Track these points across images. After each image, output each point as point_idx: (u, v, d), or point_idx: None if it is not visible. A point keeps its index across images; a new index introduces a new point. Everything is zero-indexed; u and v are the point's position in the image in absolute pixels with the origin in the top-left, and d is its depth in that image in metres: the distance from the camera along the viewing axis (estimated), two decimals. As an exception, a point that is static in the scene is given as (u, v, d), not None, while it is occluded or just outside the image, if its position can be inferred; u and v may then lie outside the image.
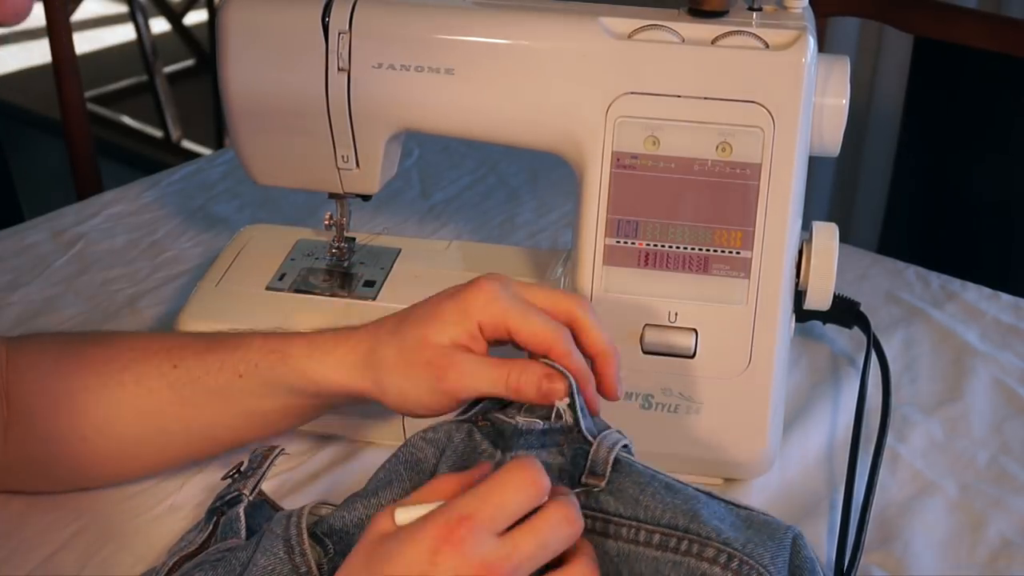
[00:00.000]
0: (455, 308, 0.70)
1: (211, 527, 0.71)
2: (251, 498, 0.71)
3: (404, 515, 0.58)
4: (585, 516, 0.62)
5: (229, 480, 0.74)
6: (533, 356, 0.69)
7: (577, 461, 0.65)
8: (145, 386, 0.75)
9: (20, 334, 0.80)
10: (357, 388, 0.72)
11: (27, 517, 0.78)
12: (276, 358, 0.74)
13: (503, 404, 0.69)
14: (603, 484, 0.64)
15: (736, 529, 0.63)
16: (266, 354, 0.74)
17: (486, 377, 0.68)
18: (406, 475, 0.67)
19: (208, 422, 0.76)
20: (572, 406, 0.66)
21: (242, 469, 0.74)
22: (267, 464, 0.73)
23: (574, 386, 0.66)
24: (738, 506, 0.65)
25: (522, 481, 0.57)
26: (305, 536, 0.63)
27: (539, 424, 0.66)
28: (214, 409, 0.75)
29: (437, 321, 0.70)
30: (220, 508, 0.71)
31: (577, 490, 0.64)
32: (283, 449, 0.74)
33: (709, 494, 0.65)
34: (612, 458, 0.65)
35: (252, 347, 0.75)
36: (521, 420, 0.66)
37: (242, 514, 0.70)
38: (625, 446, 0.66)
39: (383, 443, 0.86)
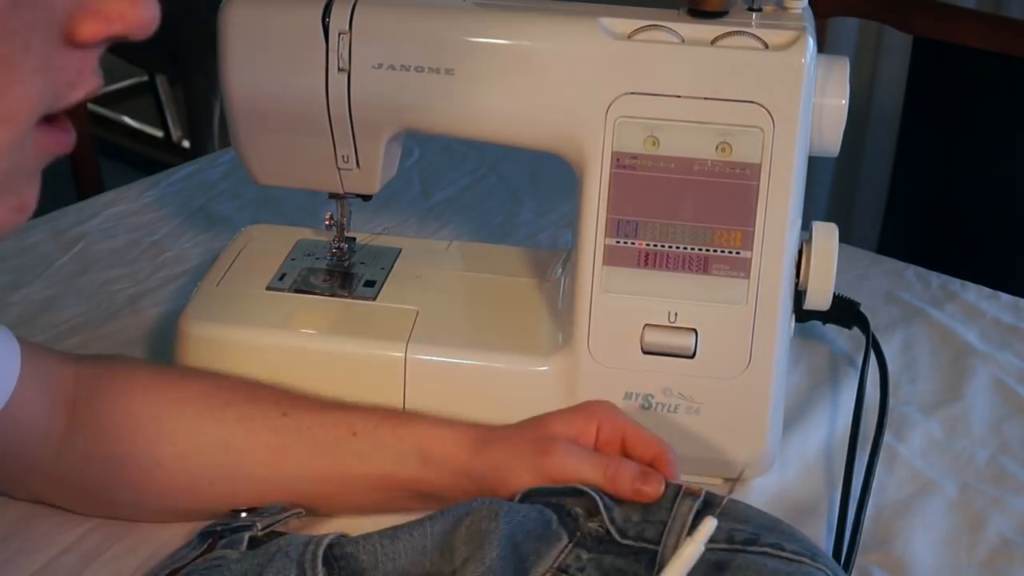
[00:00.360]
0: (578, 407, 0.75)
1: (204, 547, 0.71)
2: (261, 533, 0.71)
3: None
4: None
5: (234, 512, 0.74)
6: None
7: (651, 568, 0.67)
8: (246, 426, 0.75)
9: (42, 340, 0.80)
10: (463, 460, 0.74)
11: (31, 519, 0.78)
12: (399, 421, 0.76)
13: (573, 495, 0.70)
14: None
15: None
16: (389, 417, 0.76)
17: (589, 462, 0.71)
18: (438, 518, 0.68)
19: (298, 476, 0.75)
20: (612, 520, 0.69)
21: (256, 509, 0.74)
22: (284, 515, 0.74)
23: (601, 503, 0.69)
24: (791, 559, 0.66)
25: None
26: (320, 564, 0.63)
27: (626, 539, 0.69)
28: (314, 464, 0.75)
29: (558, 413, 0.75)
30: (220, 532, 0.71)
31: None
32: (302, 512, 0.75)
33: (764, 552, 0.67)
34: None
35: (375, 411, 0.77)
36: (614, 529, 0.69)
37: (246, 541, 0.70)
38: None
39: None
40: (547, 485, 0.71)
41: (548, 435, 0.73)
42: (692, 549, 0.64)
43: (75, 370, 0.76)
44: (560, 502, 0.70)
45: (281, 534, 0.73)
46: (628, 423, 0.74)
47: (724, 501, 0.69)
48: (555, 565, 0.68)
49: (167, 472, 0.75)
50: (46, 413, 0.74)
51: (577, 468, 0.71)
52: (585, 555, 0.69)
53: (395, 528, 0.67)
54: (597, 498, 0.69)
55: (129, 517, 0.78)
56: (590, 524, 0.70)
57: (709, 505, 0.69)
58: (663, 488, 0.70)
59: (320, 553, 0.64)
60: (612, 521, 0.69)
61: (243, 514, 0.74)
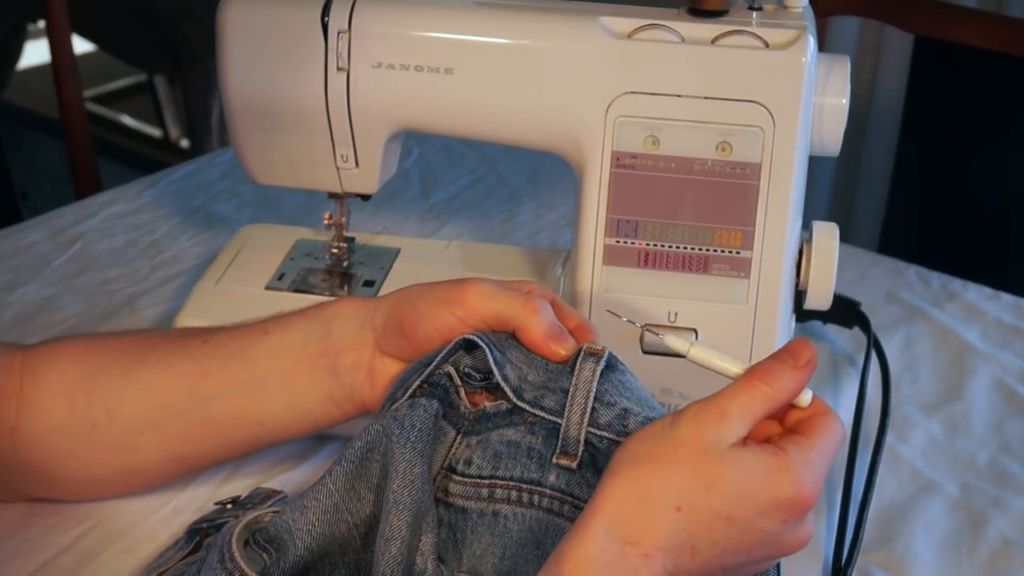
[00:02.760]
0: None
1: (192, 546, 0.70)
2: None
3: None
4: (554, 499, 0.62)
5: (220, 507, 0.74)
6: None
7: (549, 440, 0.64)
8: (167, 362, 0.74)
9: (40, 339, 0.79)
10: (368, 309, 0.71)
11: (29, 520, 0.78)
12: (311, 308, 0.74)
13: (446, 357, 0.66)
14: (574, 464, 0.63)
15: None
16: (302, 310, 0.74)
17: (509, 294, 0.67)
18: (335, 470, 0.65)
19: (213, 391, 0.74)
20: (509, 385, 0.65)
21: (239, 500, 0.74)
22: (268, 504, 0.73)
23: (491, 356, 0.65)
24: None
25: (843, 439, 0.61)
26: (235, 546, 0.62)
27: (504, 405, 0.65)
28: (225, 375, 0.73)
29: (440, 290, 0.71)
30: (206, 529, 0.71)
31: (551, 470, 0.63)
32: (285, 495, 0.74)
33: None
34: (583, 437, 0.63)
35: (291, 311, 0.75)
36: (489, 404, 0.65)
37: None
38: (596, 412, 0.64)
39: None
40: (438, 349, 0.67)
41: (457, 283, 0.70)
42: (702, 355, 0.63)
43: (22, 357, 0.76)
44: (450, 366, 0.66)
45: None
46: (557, 296, 0.70)
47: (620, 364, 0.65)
48: (444, 466, 0.65)
49: (101, 431, 0.74)
50: None
51: (494, 295, 0.67)
52: (474, 440, 0.65)
53: (302, 496, 0.64)
54: (488, 350, 0.65)
55: (73, 498, 0.78)
56: (478, 391, 0.66)
57: (611, 368, 0.65)
58: (568, 354, 0.65)
59: (236, 534, 0.62)
60: (505, 379, 0.65)
61: (227, 507, 0.74)
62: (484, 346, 0.65)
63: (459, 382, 0.66)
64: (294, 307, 0.88)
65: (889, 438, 0.89)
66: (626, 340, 0.81)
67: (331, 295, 0.90)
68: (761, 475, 0.57)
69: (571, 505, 0.63)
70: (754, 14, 0.80)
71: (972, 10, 1.60)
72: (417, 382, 0.66)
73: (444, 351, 0.66)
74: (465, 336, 0.66)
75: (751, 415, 0.59)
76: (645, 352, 0.82)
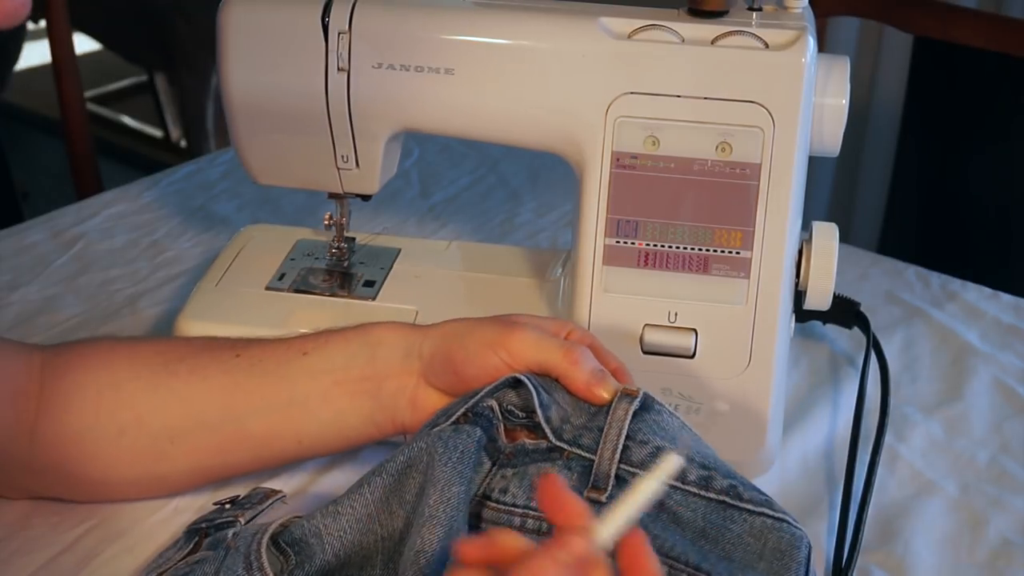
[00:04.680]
0: (552, 317, 0.74)
1: (191, 547, 0.71)
2: (243, 527, 0.71)
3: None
4: None
5: (219, 507, 0.74)
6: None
7: (583, 477, 0.65)
8: (199, 375, 0.74)
9: (41, 340, 0.79)
10: (414, 337, 0.72)
11: (31, 519, 0.78)
12: (351, 329, 0.75)
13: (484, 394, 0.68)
14: (604, 498, 0.64)
15: (747, 565, 0.63)
16: (342, 329, 0.75)
17: (551, 342, 0.69)
18: (372, 480, 0.66)
19: (249, 408, 0.74)
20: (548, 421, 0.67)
21: (238, 500, 0.74)
22: (267, 503, 0.73)
23: (537, 398, 0.66)
24: (754, 512, 0.64)
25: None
26: (264, 553, 0.62)
27: (543, 444, 0.67)
28: (263, 392, 0.74)
29: (530, 316, 0.73)
30: (205, 529, 0.71)
31: None
32: (284, 495, 0.75)
33: (723, 502, 0.64)
34: (614, 472, 0.65)
35: (329, 330, 0.76)
36: (529, 442, 0.67)
37: (231, 538, 0.69)
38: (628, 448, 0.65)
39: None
40: (486, 385, 0.68)
41: (512, 318, 0.72)
42: (649, 487, 0.54)
43: (42, 358, 0.76)
44: (494, 400, 0.67)
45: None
46: (596, 338, 0.73)
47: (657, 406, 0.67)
48: (479, 493, 0.66)
49: (130, 438, 0.75)
50: (10, 405, 0.74)
51: (538, 343, 0.69)
52: (510, 471, 0.67)
53: (335, 503, 0.65)
54: (533, 391, 0.67)
55: (110, 494, 0.78)
56: (518, 428, 0.67)
57: (646, 408, 0.67)
58: (610, 396, 0.67)
59: (264, 542, 0.63)
60: (548, 420, 0.67)
61: (226, 506, 0.74)
62: (531, 387, 0.67)
63: (500, 417, 0.68)
64: (294, 307, 0.89)
65: (889, 438, 0.89)
66: (626, 340, 0.81)
67: (331, 295, 0.90)
68: None
69: None
70: (754, 14, 0.80)
71: (972, 10, 1.60)
72: (462, 410, 0.68)
73: (492, 386, 0.68)
74: (514, 375, 0.68)
75: None
76: (645, 352, 0.82)
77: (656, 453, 0.65)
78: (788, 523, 0.64)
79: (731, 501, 0.64)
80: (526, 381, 0.67)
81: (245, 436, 0.76)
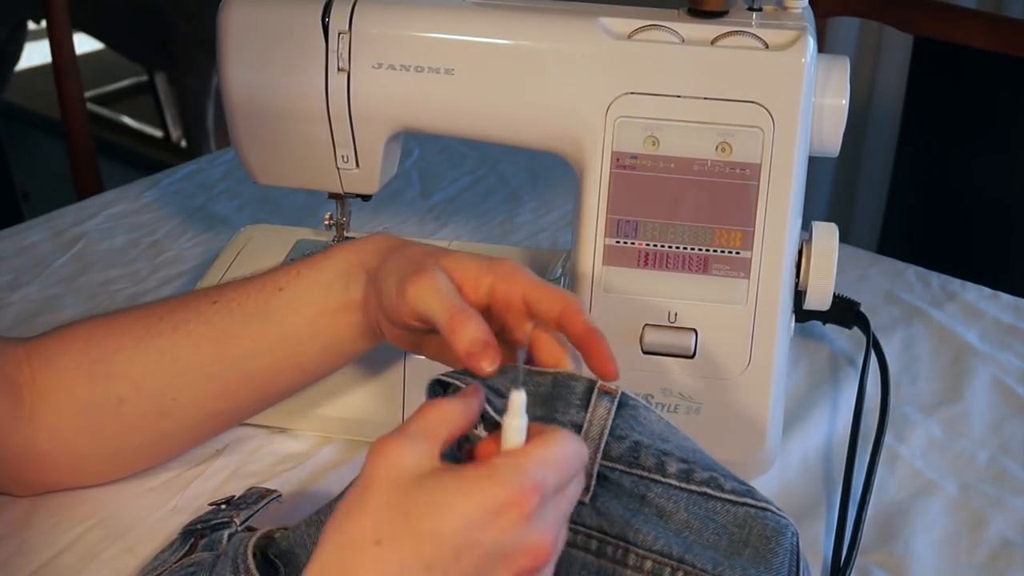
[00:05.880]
0: (485, 260, 0.68)
1: (187, 548, 0.71)
2: (240, 528, 0.71)
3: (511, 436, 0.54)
4: (568, 529, 0.60)
5: (214, 507, 0.74)
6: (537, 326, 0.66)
7: None
8: (183, 330, 0.74)
9: (38, 334, 0.80)
10: (373, 266, 0.71)
11: (31, 518, 0.78)
12: (320, 256, 0.74)
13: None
14: (587, 499, 0.64)
15: (733, 553, 0.62)
16: (311, 259, 0.75)
17: (443, 303, 0.64)
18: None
19: (244, 352, 0.74)
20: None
21: (233, 500, 0.74)
22: (263, 503, 0.73)
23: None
24: (736, 502, 0.64)
25: (581, 457, 0.56)
26: (251, 557, 0.62)
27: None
28: (251, 333, 0.74)
29: (466, 255, 0.68)
30: (201, 531, 0.71)
31: None
32: (279, 495, 0.75)
33: (704, 493, 0.64)
34: (596, 471, 0.64)
35: (297, 261, 0.76)
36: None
37: (226, 540, 0.69)
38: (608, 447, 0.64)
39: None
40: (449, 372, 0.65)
41: (433, 260, 0.67)
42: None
43: (26, 349, 0.76)
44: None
45: (255, 530, 0.73)
46: (530, 281, 0.66)
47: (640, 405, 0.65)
48: None
49: (131, 404, 0.75)
50: (6, 395, 0.74)
51: (428, 303, 0.64)
52: None
53: (319, 512, 0.64)
54: (483, 386, 0.62)
55: (118, 469, 0.79)
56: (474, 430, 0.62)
57: (623, 406, 0.64)
58: (493, 369, 0.61)
59: (249, 551, 0.62)
60: (498, 411, 0.61)
61: (222, 507, 0.74)
62: (478, 381, 0.62)
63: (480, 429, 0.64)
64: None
65: (888, 438, 0.89)
66: (626, 340, 0.82)
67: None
68: (463, 485, 0.52)
69: (583, 535, 0.64)
70: (754, 15, 0.80)
71: (972, 10, 1.60)
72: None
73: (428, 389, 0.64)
74: (437, 377, 0.64)
75: (435, 434, 0.55)
76: (645, 352, 0.82)
77: (635, 448, 0.64)
78: (772, 512, 0.64)
79: (712, 492, 0.64)
80: (452, 381, 0.63)
81: (248, 378, 0.76)
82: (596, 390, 0.65)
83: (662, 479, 0.64)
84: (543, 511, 0.53)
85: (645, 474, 0.64)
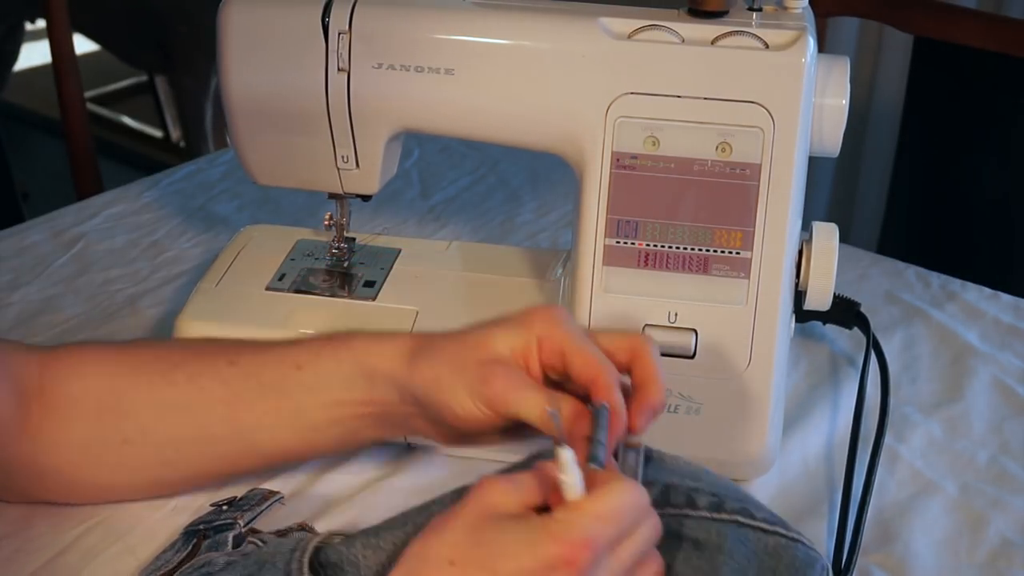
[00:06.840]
0: (518, 320, 0.69)
1: (189, 548, 0.70)
2: (243, 529, 0.71)
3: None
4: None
5: (216, 508, 0.74)
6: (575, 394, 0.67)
7: None
8: (197, 384, 0.74)
9: (41, 340, 0.79)
10: (402, 375, 0.70)
11: (31, 519, 0.78)
12: (339, 343, 0.73)
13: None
14: None
15: None
16: (330, 342, 0.74)
17: (530, 400, 0.66)
18: (419, 520, 0.65)
19: (255, 423, 0.74)
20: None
21: (235, 501, 0.74)
22: (266, 504, 0.73)
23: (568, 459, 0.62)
24: (768, 531, 0.64)
25: (639, 507, 0.59)
26: (306, 571, 0.62)
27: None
28: (265, 406, 0.74)
29: (499, 328, 0.69)
30: (204, 531, 0.71)
31: None
32: (282, 496, 0.75)
33: (735, 521, 0.64)
34: None
35: (315, 340, 0.75)
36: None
37: (231, 541, 0.69)
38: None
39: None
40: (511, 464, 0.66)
41: (490, 358, 0.68)
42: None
43: (39, 359, 0.76)
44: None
45: (259, 532, 0.73)
46: (568, 338, 0.67)
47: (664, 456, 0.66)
48: None
49: (135, 447, 0.75)
50: (12, 406, 0.74)
51: (517, 403, 0.66)
52: None
53: (376, 534, 0.64)
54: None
55: (110, 497, 0.78)
56: None
57: (650, 460, 0.66)
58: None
59: (306, 561, 0.63)
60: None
61: (224, 508, 0.74)
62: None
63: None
64: (294, 307, 0.89)
65: (889, 438, 0.89)
66: (626, 340, 0.81)
67: (332, 296, 0.90)
68: (527, 535, 0.57)
69: None
70: (754, 15, 0.80)
71: (972, 10, 1.60)
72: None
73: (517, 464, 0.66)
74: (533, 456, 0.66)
75: (538, 493, 0.59)
76: (645, 352, 0.82)
77: (665, 491, 0.65)
78: (803, 544, 0.64)
79: (744, 520, 0.64)
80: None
81: (255, 449, 0.76)
82: (622, 447, 0.66)
83: (692, 512, 0.65)
84: (596, 565, 0.56)
85: (676, 511, 0.64)
